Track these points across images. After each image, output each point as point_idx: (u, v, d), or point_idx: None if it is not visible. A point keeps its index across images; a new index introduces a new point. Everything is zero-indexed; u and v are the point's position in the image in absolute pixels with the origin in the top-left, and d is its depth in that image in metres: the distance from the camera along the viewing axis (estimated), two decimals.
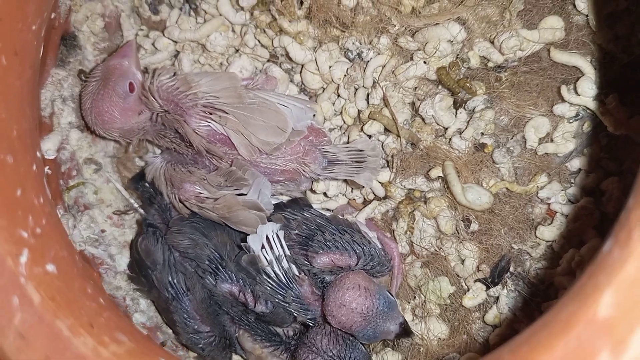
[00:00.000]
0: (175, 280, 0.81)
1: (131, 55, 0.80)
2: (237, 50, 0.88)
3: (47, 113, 0.82)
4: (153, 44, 0.89)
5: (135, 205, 0.91)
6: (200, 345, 0.81)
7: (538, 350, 0.41)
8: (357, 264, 0.77)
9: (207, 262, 0.80)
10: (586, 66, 0.75)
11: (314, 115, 0.81)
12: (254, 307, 0.78)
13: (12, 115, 0.52)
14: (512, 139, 0.79)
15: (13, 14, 0.51)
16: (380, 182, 0.84)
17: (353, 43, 0.84)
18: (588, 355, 0.38)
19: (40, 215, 0.52)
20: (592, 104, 0.74)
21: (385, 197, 0.85)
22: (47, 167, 0.81)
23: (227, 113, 0.75)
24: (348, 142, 0.85)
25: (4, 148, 0.50)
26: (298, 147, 0.78)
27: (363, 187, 0.82)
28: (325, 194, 0.87)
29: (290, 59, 0.85)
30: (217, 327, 0.82)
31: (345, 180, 0.84)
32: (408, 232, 0.83)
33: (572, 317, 0.39)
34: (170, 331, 0.86)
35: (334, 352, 0.75)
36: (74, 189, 0.86)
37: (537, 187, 0.78)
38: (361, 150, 0.79)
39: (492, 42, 0.79)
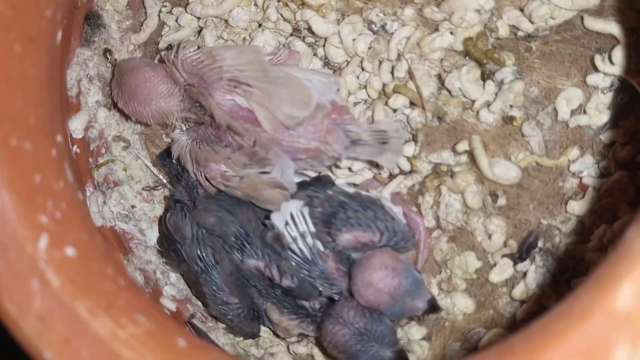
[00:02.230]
0: (204, 254, 0.82)
1: None
2: (259, 25, 0.87)
3: (73, 93, 0.84)
4: (176, 21, 0.89)
5: (164, 181, 0.92)
6: (230, 317, 0.83)
7: (552, 341, 0.40)
8: (380, 241, 0.76)
9: (233, 239, 0.80)
10: (622, 34, 0.71)
11: (337, 89, 0.80)
12: (280, 281, 0.79)
13: (29, 103, 0.53)
14: (542, 111, 0.77)
15: (25, 1, 0.52)
16: (405, 156, 0.82)
17: (377, 15, 0.81)
18: (605, 348, 0.37)
19: (60, 199, 0.54)
20: (628, 74, 0.71)
21: (411, 172, 0.83)
22: (76, 146, 0.83)
23: (251, 87, 0.75)
24: (372, 116, 0.83)
25: (22, 135, 0.51)
26: (320, 126, 0.77)
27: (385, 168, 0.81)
28: (350, 168, 0.86)
29: (312, 32, 0.84)
30: (246, 299, 0.83)
31: (368, 161, 0.82)
32: (434, 207, 0.82)
33: (589, 308, 0.38)
34: (199, 303, 0.88)
35: (360, 324, 0.76)
36: (103, 167, 0.88)
37: (569, 160, 0.76)
38: (384, 131, 0.77)
39: (521, 10, 0.76)
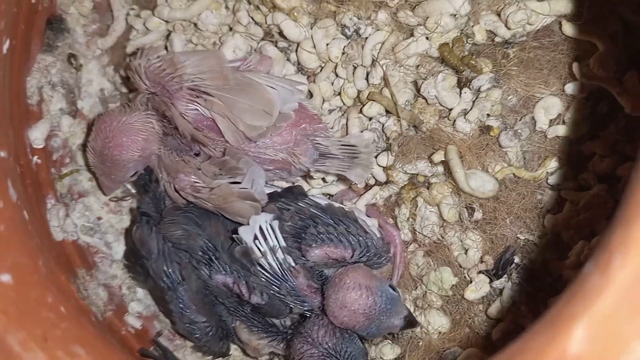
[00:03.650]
0: (170, 270, 0.79)
1: None
2: (230, 29, 0.84)
3: (34, 101, 0.80)
4: (144, 24, 0.86)
5: (133, 190, 0.89)
6: (197, 336, 0.80)
7: None
8: (352, 257, 0.73)
9: (200, 253, 0.77)
10: (601, 41, 0.68)
11: (304, 97, 0.77)
12: (249, 298, 0.76)
13: None
14: (520, 120, 0.74)
15: None
16: (381, 166, 0.79)
17: (350, 19, 0.79)
18: None
19: None
20: (608, 83, 0.68)
21: (387, 182, 0.80)
22: (36, 157, 0.80)
23: (212, 96, 0.72)
24: (347, 124, 0.80)
25: None
26: (289, 136, 0.74)
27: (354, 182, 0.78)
28: (324, 179, 0.83)
29: (284, 37, 0.80)
30: (214, 317, 0.80)
31: (337, 175, 0.79)
32: (410, 219, 0.80)
33: (542, 351, 0.35)
34: (167, 320, 0.84)
35: (329, 344, 0.73)
36: (67, 177, 0.84)
37: (547, 172, 0.73)
38: (354, 146, 0.74)
39: (498, 15, 0.73)
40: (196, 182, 0.76)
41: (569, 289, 0.37)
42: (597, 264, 0.35)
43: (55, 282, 0.55)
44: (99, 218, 0.87)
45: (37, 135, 0.79)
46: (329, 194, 0.84)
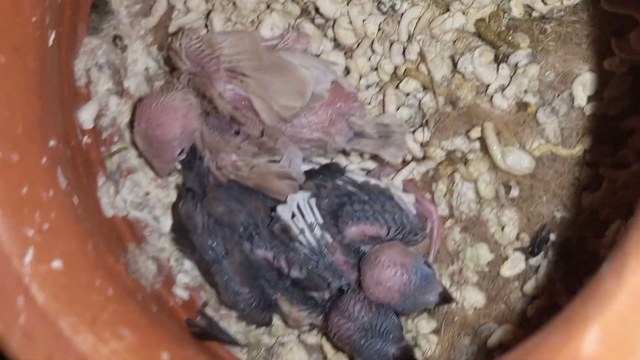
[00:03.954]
0: (214, 244, 0.82)
1: None
2: (268, 7, 0.84)
3: (82, 83, 0.83)
4: (185, 4, 0.88)
5: (179, 167, 0.92)
6: (241, 306, 0.83)
7: None
8: (388, 234, 0.75)
9: (241, 229, 0.80)
10: None
11: (337, 76, 0.77)
12: (289, 272, 0.79)
13: (16, 112, 0.53)
14: (558, 96, 0.73)
15: (6, 10, 0.51)
16: (418, 142, 0.80)
17: None
18: None
19: (48, 209, 0.54)
20: None
21: (424, 158, 0.81)
22: (86, 137, 0.83)
23: (247, 76, 0.73)
24: (384, 101, 0.81)
25: (8, 147, 0.51)
26: (324, 115, 0.75)
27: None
28: (361, 154, 0.84)
29: (321, 14, 0.81)
30: (257, 289, 0.83)
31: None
32: (447, 195, 0.80)
33: (554, 351, 0.36)
34: (213, 291, 0.88)
35: (365, 319, 0.75)
36: (116, 155, 0.88)
37: (585, 149, 0.72)
38: (387, 125, 0.75)
39: None
40: (236, 160, 0.78)
41: (585, 289, 0.38)
42: (612, 267, 0.35)
43: (103, 264, 0.59)
44: (147, 193, 0.90)
45: (86, 117, 0.83)
46: (367, 169, 0.85)
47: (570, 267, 0.71)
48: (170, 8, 0.89)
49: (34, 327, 0.48)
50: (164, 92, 0.78)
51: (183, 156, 0.82)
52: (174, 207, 0.89)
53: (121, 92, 0.89)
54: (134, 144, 0.88)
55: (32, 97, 0.56)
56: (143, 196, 0.90)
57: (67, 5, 0.74)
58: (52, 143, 0.59)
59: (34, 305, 0.49)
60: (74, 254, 0.54)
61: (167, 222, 0.90)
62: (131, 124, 0.89)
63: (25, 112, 0.55)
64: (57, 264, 0.51)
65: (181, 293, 0.87)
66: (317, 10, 0.81)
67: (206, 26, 0.87)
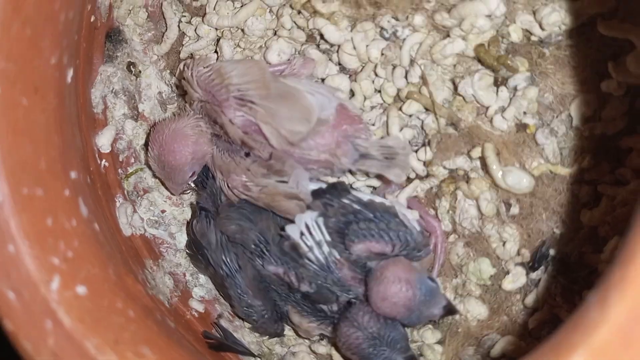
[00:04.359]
0: (228, 259, 0.86)
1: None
2: (275, 33, 0.88)
3: (99, 109, 0.87)
4: (195, 31, 0.91)
5: (192, 185, 0.95)
6: (254, 317, 0.87)
7: None
8: (392, 251, 0.78)
9: (253, 246, 0.84)
10: (638, 38, 0.68)
11: (342, 101, 0.80)
12: (299, 287, 0.82)
13: (39, 149, 0.57)
14: (556, 118, 0.75)
15: (27, 54, 0.55)
16: (421, 160, 0.83)
17: (388, 21, 0.81)
18: None
19: (72, 238, 0.58)
20: None
21: (427, 176, 0.84)
22: (104, 161, 0.87)
23: (255, 104, 0.77)
24: (387, 122, 0.84)
25: (32, 182, 0.55)
26: (331, 138, 0.78)
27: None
28: (367, 173, 0.87)
29: (326, 40, 0.84)
30: (269, 301, 0.87)
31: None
32: (450, 211, 0.83)
33: None
34: (227, 303, 0.92)
35: (374, 329, 0.78)
36: (133, 176, 0.92)
37: (583, 168, 0.74)
38: (391, 147, 0.79)
39: (535, 14, 0.74)
40: (247, 181, 0.82)
41: (571, 318, 0.41)
42: (597, 297, 0.38)
43: (123, 287, 0.63)
44: (163, 211, 0.94)
45: (103, 142, 0.86)
46: (373, 187, 0.88)
47: (570, 282, 0.74)
48: (182, 35, 0.93)
49: (62, 348, 0.52)
50: (176, 119, 0.82)
51: (194, 178, 0.86)
52: (189, 225, 0.93)
53: (136, 116, 0.93)
54: (149, 165, 0.92)
55: (53, 133, 0.60)
56: (159, 214, 0.94)
57: (83, 38, 0.78)
58: (73, 175, 0.63)
59: (61, 328, 0.52)
60: (96, 279, 0.58)
61: (182, 239, 0.94)
62: (146, 146, 0.92)
63: (47, 149, 0.59)
64: (81, 289, 0.55)
65: (197, 306, 0.91)
66: (322, 36, 0.84)
67: (216, 52, 0.91)
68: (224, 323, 0.91)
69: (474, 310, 0.80)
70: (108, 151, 0.87)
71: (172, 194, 0.92)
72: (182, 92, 0.94)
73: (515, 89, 0.76)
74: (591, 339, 0.37)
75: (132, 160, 0.93)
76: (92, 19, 0.79)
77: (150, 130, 0.87)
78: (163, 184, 0.90)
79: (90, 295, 0.56)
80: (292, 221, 0.81)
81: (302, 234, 0.80)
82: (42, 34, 0.57)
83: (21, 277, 0.53)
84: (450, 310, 0.77)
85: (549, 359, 0.39)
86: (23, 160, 0.54)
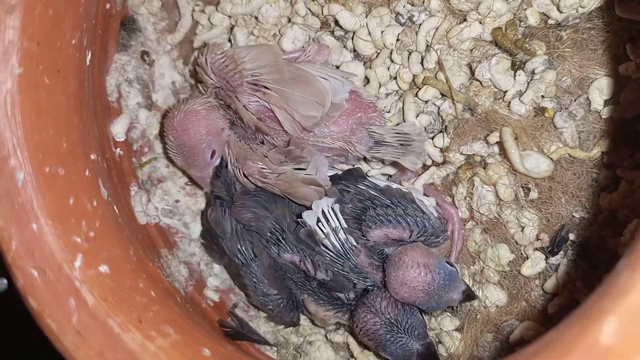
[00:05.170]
0: (243, 248, 0.85)
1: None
2: (289, 20, 0.87)
3: (114, 98, 0.87)
4: (209, 20, 0.91)
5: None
6: (270, 307, 0.86)
7: None
8: (410, 237, 0.77)
9: (269, 234, 0.83)
10: None
11: (355, 86, 0.80)
12: (315, 275, 0.82)
13: (60, 130, 0.57)
14: (575, 101, 0.75)
15: (50, 35, 0.55)
16: (438, 148, 0.82)
17: (404, 6, 0.81)
18: None
19: (93, 218, 0.58)
20: None
21: (444, 162, 0.83)
22: (119, 149, 0.87)
23: (269, 89, 0.76)
24: (403, 109, 0.83)
25: (54, 162, 0.55)
26: (345, 125, 0.78)
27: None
28: (382, 160, 0.87)
29: (340, 26, 0.84)
30: (284, 290, 0.86)
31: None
32: (467, 198, 0.82)
33: (574, 340, 0.38)
34: (242, 293, 0.91)
35: (391, 315, 0.78)
36: (147, 165, 0.91)
37: (602, 152, 0.74)
38: (407, 134, 0.78)
39: None
40: (263, 168, 0.81)
41: (602, 284, 0.40)
42: (629, 262, 0.38)
43: (144, 269, 0.63)
44: (177, 201, 0.94)
45: (118, 130, 0.86)
46: (388, 175, 0.88)
47: (590, 266, 0.73)
48: (195, 24, 0.93)
49: (85, 326, 0.52)
50: (185, 101, 0.81)
51: (217, 159, 0.85)
52: (203, 214, 0.93)
53: (150, 105, 0.93)
54: (164, 154, 0.91)
55: (73, 115, 0.60)
56: (173, 204, 0.93)
57: (99, 25, 0.78)
58: (93, 157, 0.63)
59: (85, 307, 0.52)
60: (118, 259, 0.58)
61: (196, 229, 0.94)
62: (161, 135, 0.92)
63: (68, 129, 0.59)
64: (103, 268, 0.55)
65: (212, 295, 0.90)
66: (336, 23, 0.84)
67: (230, 41, 0.91)
68: (239, 312, 0.91)
69: (493, 296, 0.79)
70: (123, 139, 0.87)
71: (200, 188, 0.91)
72: (195, 80, 0.94)
73: (533, 72, 0.76)
74: (622, 304, 0.37)
75: (146, 149, 0.92)
76: (107, 7, 0.79)
77: (162, 120, 0.87)
78: (193, 182, 0.89)
79: (113, 275, 0.55)
80: (308, 208, 0.80)
81: (318, 220, 0.79)
82: (63, 14, 0.57)
83: (45, 256, 0.52)
84: (469, 295, 0.76)
85: (580, 326, 0.39)
86: (46, 139, 0.54)
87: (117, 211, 0.64)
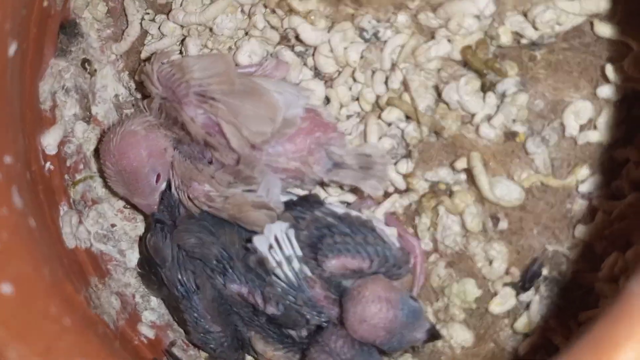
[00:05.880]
0: (184, 278, 0.78)
1: None
2: (246, 33, 0.82)
3: (47, 106, 0.80)
4: (159, 29, 0.85)
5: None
6: (212, 346, 0.79)
7: None
8: (370, 267, 0.72)
9: (215, 262, 0.76)
10: (637, 41, 0.65)
11: (310, 102, 0.75)
12: (265, 308, 0.75)
13: None
14: (548, 126, 0.71)
15: None
16: (400, 174, 0.77)
17: (369, 22, 0.77)
18: None
19: (0, 228, 0.49)
20: None
21: (407, 190, 0.78)
22: (49, 163, 0.80)
23: (217, 101, 0.70)
24: (365, 131, 0.78)
25: None
26: (302, 145, 0.73)
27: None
28: (341, 186, 0.81)
29: (301, 41, 0.79)
30: (229, 327, 0.79)
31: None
32: (431, 228, 0.77)
33: None
34: (181, 330, 0.83)
35: (347, 355, 0.71)
36: (81, 183, 0.84)
37: (577, 180, 0.70)
38: (369, 156, 0.73)
39: (525, 15, 0.70)
40: (210, 191, 0.74)
41: (613, 309, 0.34)
42: None
43: (61, 292, 0.54)
44: (113, 225, 0.86)
45: (49, 142, 0.79)
46: (347, 202, 0.82)
47: (564, 303, 0.69)
48: (144, 33, 0.86)
49: None
50: (122, 122, 0.75)
51: (163, 183, 0.78)
52: (142, 240, 0.85)
53: (88, 118, 0.86)
54: (100, 172, 0.84)
55: None
56: (108, 228, 0.86)
57: (33, 22, 0.71)
58: (7, 160, 0.54)
59: None
60: (27, 278, 0.49)
61: (133, 257, 0.86)
62: (97, 153, 0.85)
63: None
64: (6, 288, 0.46)
65: (147, 331, 0.82)
66: (297, 37, 0.79)
67: (181, 52, 0.85)
68: (177, 352, 0.83)
69: (458, 336, 0.74)
70: (54, 153, 0.79)
71: (146, 214, 0.83)
72: (141, 95, 0.87)
73: (503, 94, 0.72)
74: None
75: (81, 166, 0.85)
76: (45, 4, 0.72)
77: (99, 140, 0.79)
78: (133, 206, 0.81)
79: (18, 296, 0.47)
80: (259, 233, 0.74)
81: (270, 246, 0.73)
82: None
83: None
84: (434, 334, 0.70)
85: (591, 358, 0.32)
86: None
87: (34, 225, 0.55)
